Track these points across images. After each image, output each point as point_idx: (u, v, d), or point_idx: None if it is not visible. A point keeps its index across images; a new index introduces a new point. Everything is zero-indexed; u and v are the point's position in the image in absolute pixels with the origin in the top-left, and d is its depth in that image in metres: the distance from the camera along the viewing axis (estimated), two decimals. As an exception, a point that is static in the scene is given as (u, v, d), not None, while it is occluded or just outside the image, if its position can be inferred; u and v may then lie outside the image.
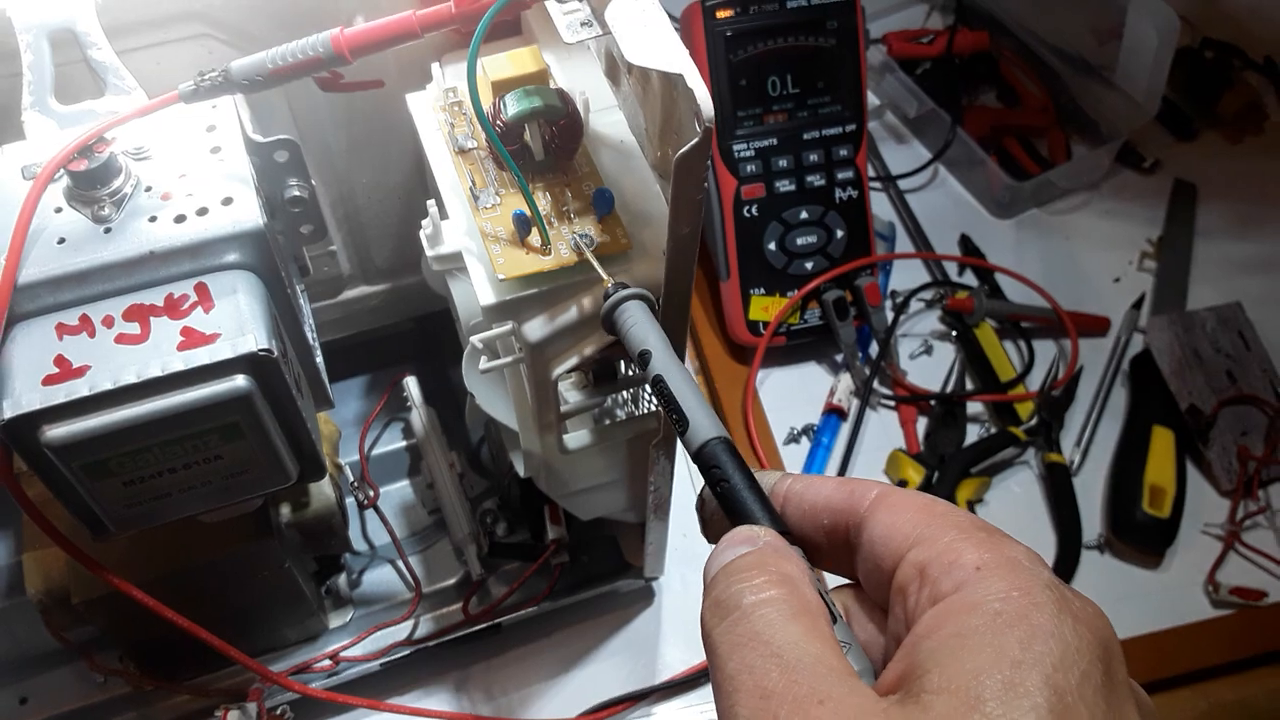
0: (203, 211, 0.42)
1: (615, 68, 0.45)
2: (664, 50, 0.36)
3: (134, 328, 0.41)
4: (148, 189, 0.43)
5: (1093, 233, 0.90)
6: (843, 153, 0.76)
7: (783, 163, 0.76)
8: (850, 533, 0.29)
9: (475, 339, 0.47)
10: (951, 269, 0.86)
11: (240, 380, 0.40)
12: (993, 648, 0.23)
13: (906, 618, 0.26)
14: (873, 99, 0.96)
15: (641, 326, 0.37)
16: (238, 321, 0.41)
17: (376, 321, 0.72)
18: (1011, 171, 0.90)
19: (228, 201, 0.42)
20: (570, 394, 0.50)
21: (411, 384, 0.70)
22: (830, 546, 0.30)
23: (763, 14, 0.73)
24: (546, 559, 0.63)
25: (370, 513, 0.69)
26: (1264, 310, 0.83)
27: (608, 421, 0.54)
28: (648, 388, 0.53)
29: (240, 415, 0.41)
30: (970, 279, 0.85)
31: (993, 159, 0.89)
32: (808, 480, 0.31)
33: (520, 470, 0.56)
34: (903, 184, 0.91)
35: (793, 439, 0.77)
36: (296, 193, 0.50)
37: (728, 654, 0.26)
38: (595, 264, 0.41)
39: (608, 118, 0.48)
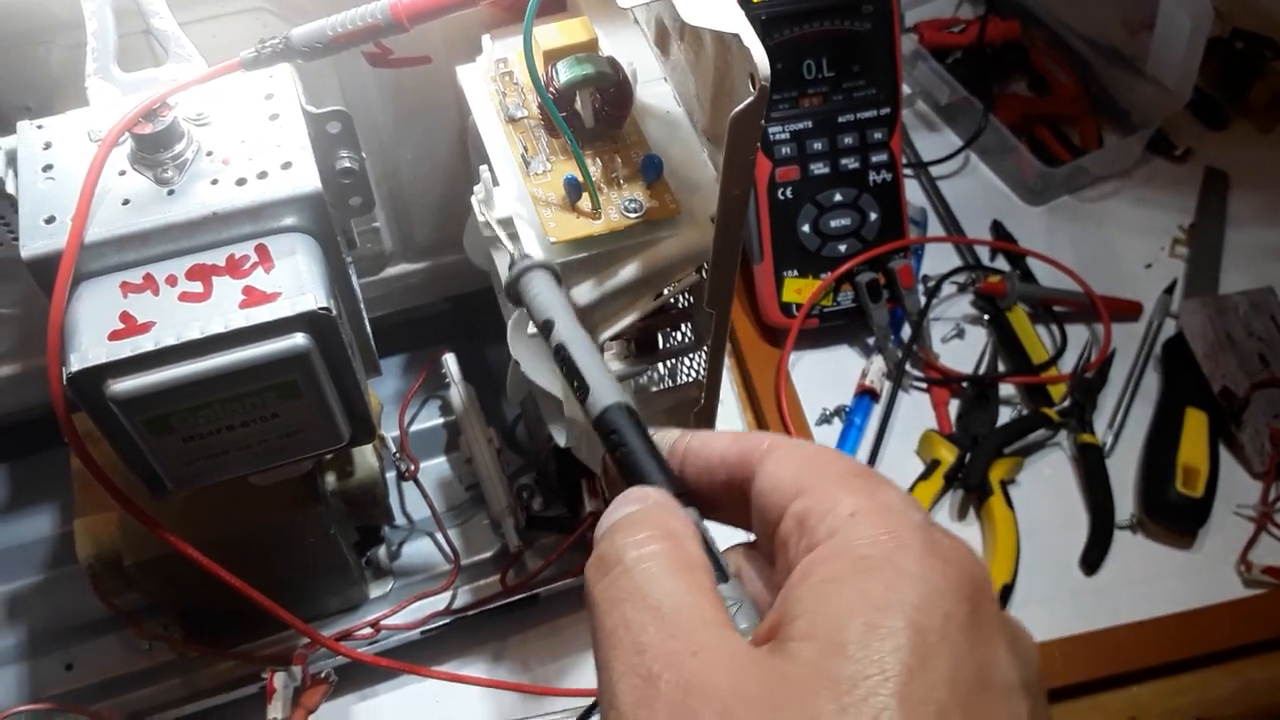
0: (262, 175, 0.43)
1: (665, 36, 0.46)
2: (719, 10, 0.37)
3: (197, 286, 0.42)
4: (209, 154, 0.44)
5: (1125, 219, 0.90)
6: (877, 136, 0.77)
7: (817, 145, 0.76)
8: (744, 486, 0.29)
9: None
10: (983, 254, 0.86)
11: (299, 338, 0.41)
12: (857, 591, 0.23)
13: (787, 569, 0.26)
14: (905, 87, 0.97)
15: (544, 296, 0.37)
16: (297, 281, 0.42)
17: (416, 300, 0.73)
18: (1043, 159, 0.90)
19: (286, 166, 0.43)
20: (613, 364, 0.51)
21: (450, 361, 0.71)
22: (728, 502, 0.29)
23: (798, -4, 0.74)
24: (583, 532, 0.64)
25: (409, 487, 0.70)
26: (1297, 296, 0.83)
27: (649, 391, 0.54)
28: (692, 358, 0.54)
29: (298, 373, 0.42)
30: (1002, 264, 0.86)
31: (1024, 146, 0.90)
32: (704, 436, 0.31)
33: (561, 440, 0.57)
34: (935, 171, 0.91)
35: (825, 420, 0.77)
36: (347, 164, 0.51)
37: (607, 609, 0.25)
38: (504, 240, 0.41)
39: (654, 89, 0.49)
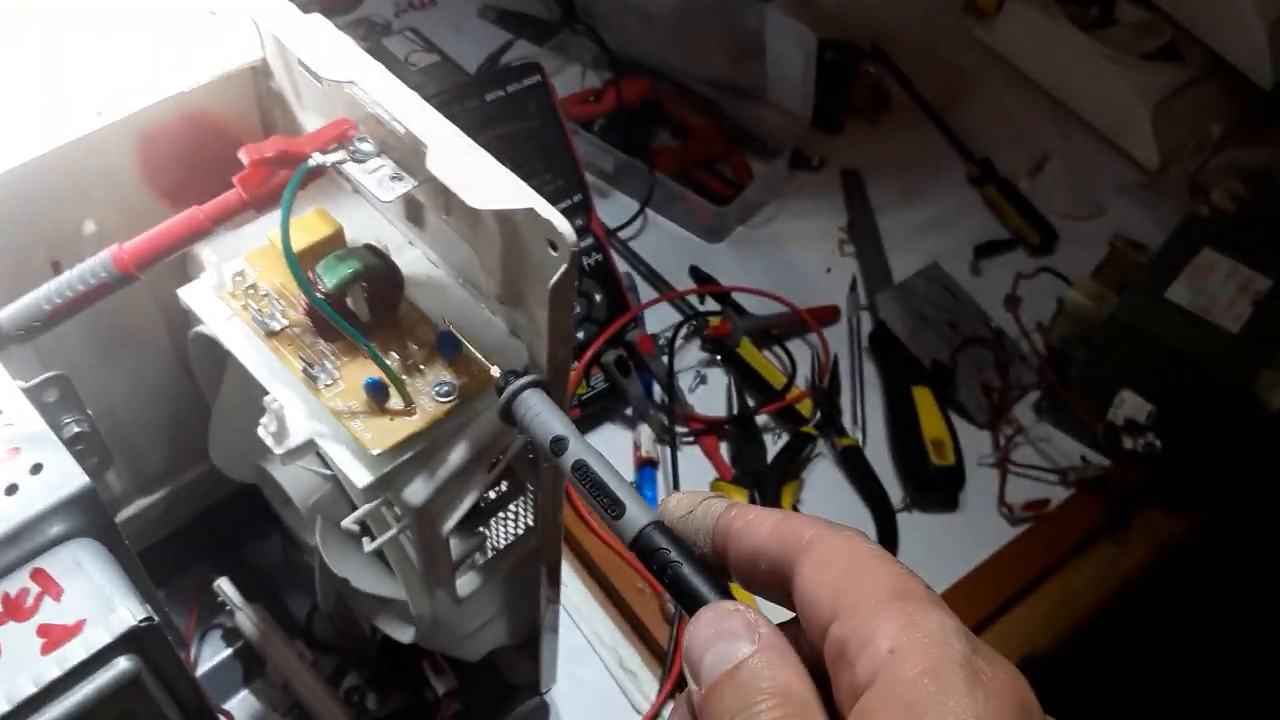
0: (12, 490, 0.36)
1: (419, 210, 0.44)
2: (505, 188, 0.36)
3: (-25, 647, 0.34)
4: (-73, 483, 0.36)
5: (794, 234, 0.99)
6: (578, 222, 0.79)
7: (526, 248, 0.76)
8: (786, 581, 0.28)
9: (347, 523, 0.43)
10: (695, 301, 0.91)
11: (123, 663, 0.35)
12: None
13: (839, 694, 0.26)
14: (566, 163, 0.99)
15: (546, 414, 0.35)
16: (99, 599, 0.35)
17: (159, 533, 0.64)
18: (710, 200, 0.96)
19: (37, 469, 0.37)
20: (452, 543, 0.48)
21: (226, 587, 0.63)
22: (772, 589, 0.29)
23: (465, 111, 0.74)
24: (442, 714, 0.60)
25: (222, 741, 0.62)
26: (952, 262, 0.95)
27: (482, 558, 0.52)
28: (517, 508, 0.52)
29: (134, 702, 0.36)
30: (713, 305, 0.91)
31: (690, 193, 0.95)
32: (746, 518, 0.30)
33: (406, 638, 0.52)
34: (623, 235, 0.94)
35: (616, 504, 0.77)
36: (76, 429, 0.44)
37: None
38: (478, 355, 0.39)
39: (404, 257, 0.46)
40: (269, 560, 0.70)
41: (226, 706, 0.64)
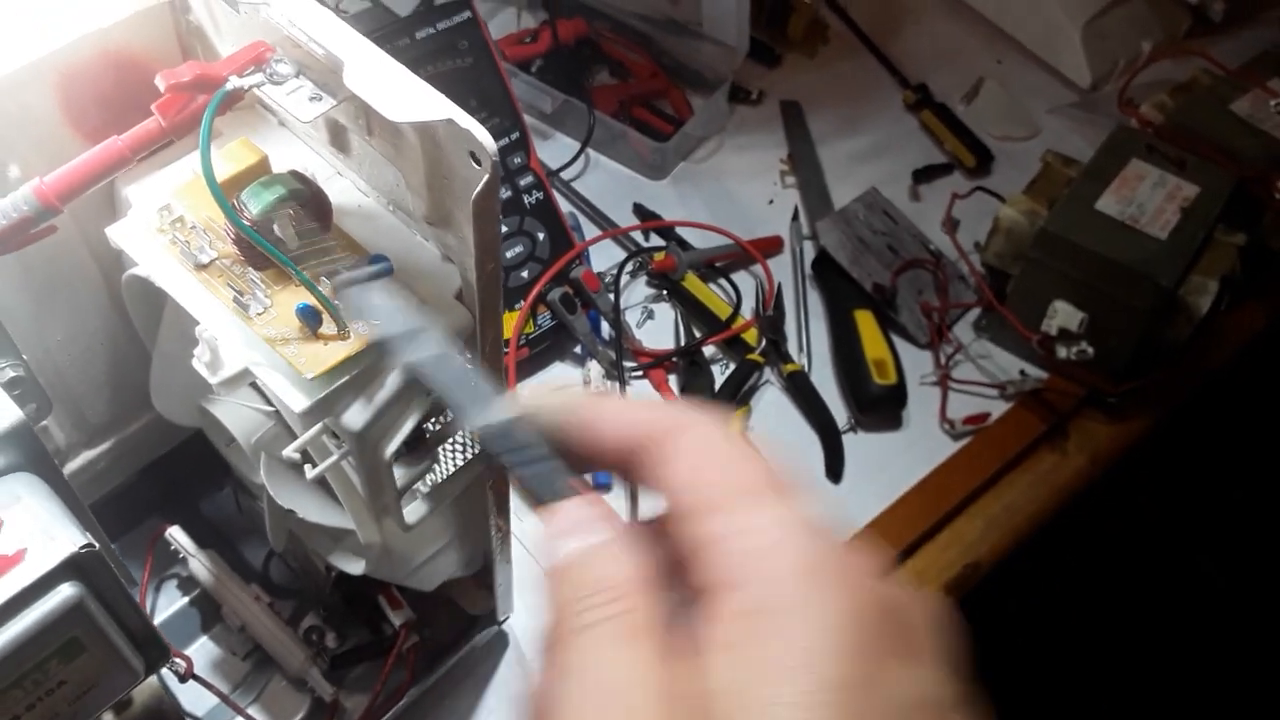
0: (-56, 424, 0.36)
1: (342, 133, 0.44)
2: (422, 100, 0.36)
3: (-85, 582, 0.34)
4: None
5: (735, 168, 0.99)
6: (517, 160, 0.78)
7: (465, 187, 0.76)
8: (651, 463, 0.28)
9: (288, 451, 0.44)
10: (639, 237, 0.91)
11: (67, 589, 0.36)
12: (769, 659, 0.23)
13: (702, 592, 0.25)
14: (505, 106, 0.99)
15: (386, 306, 0.36)
16: (40, 527, 0.36)
17: (107, 485, 0.64)
18: (651, 136, 0.96)
19: (-31, 403, 0.37)
20: (397, 471, 0.48)
21: (178, 534, 0.63)
22: (642, 479, 0.28)
23: (397, 50, 0.73)
24: (399, 649, 0.61)
25: (184, 688, 0.62)
26: (892, 187, 0.96)
27: (428, 485, 0.52)
28: (465, 435, 0.52)
29: (78, 627, 0.37)
30: (658, 240, 0.91)
31: (631, 130, 0.95)
32: (614, 408, 0.29)
33: (355, 570, 0.53)
34: (565, 175, 0.94)
35: (568, 439, 0.78)
36: (11, 374, 0.44)
37: (554, 678, 0.25)
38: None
39: (332, 187, 0.46)
40: (223, 511, 0.70)
41: (186, 652, 0.64)
